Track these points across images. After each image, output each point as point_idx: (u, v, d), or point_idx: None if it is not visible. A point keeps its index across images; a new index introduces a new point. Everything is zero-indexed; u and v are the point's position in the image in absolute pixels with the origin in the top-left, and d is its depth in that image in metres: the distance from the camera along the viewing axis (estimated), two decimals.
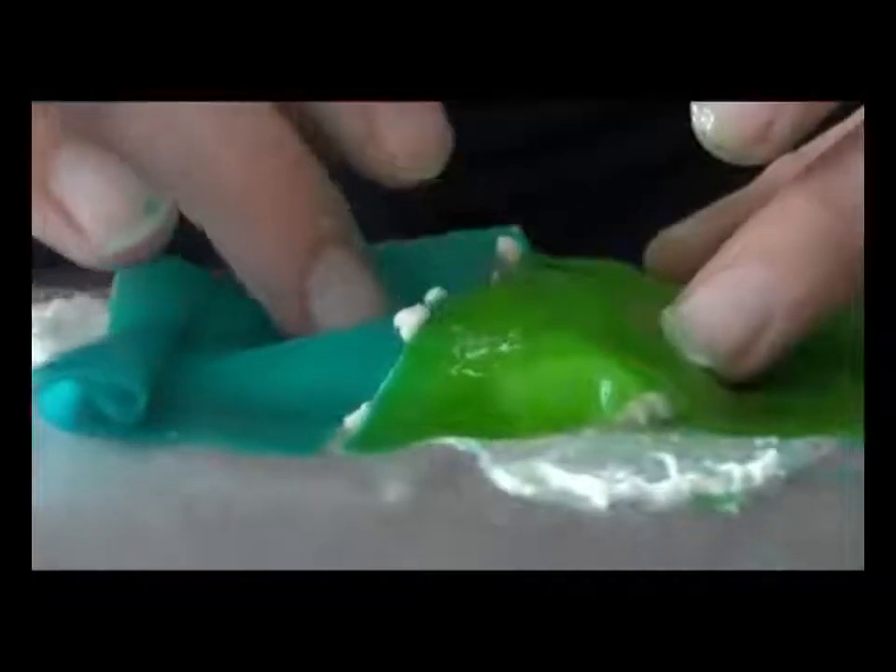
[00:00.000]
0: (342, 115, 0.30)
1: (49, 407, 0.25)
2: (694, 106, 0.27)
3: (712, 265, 0.28)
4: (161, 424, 0.25)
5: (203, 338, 0.29)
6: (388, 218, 0.40)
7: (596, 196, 0.44)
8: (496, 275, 0.32)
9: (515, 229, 0.34)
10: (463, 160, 0.52)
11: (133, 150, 0.28)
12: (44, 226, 0.27)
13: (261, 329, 0.29)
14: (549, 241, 0.35)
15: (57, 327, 0.30)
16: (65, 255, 0.28)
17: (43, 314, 0.31)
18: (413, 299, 0.30)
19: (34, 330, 0.29)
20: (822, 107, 0.27)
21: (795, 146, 0.28)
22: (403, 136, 0.30)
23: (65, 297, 0.32)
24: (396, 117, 0.30)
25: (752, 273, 0.27)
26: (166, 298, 0.30)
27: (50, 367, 0.26)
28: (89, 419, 0.25)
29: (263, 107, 0.28)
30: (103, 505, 0.23)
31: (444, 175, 0.32)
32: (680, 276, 0.33)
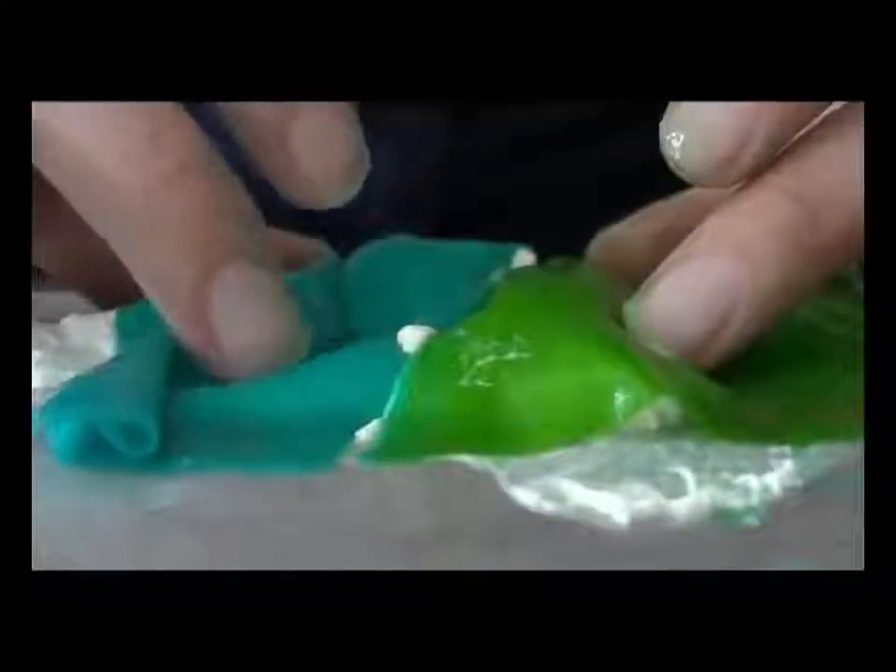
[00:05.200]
0: (256, 128, 0.29)
1: (58, 443, 0.24)
2: (663, 130, 0.27)
3: (675, 256, 0.27)
4: (172, 452, 0.25)
5: (190, 359, 0.28)
6: (388, 218, 0.40)
7: (595, 196, 0.44)
8: (495, 277, 0.33)
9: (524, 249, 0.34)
10: (463, 160, 0.52)
11: (40, 166, 0.28)
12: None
13: None
14: (546, 241, 0.35)
15: (63, 347, 0.30)
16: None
17: (50, 333, 0.30)
18: (420, 299, 0.30)
19: (39, 352, 0.29)
20: (794, 127, 0.27)
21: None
22: (319, 160, 0.29)
23: (76, 314, 0.31)
24: (312, 137, 0.29)
25: (715, 263, 0.26)
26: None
27: (59, 401, 0.25)
28: (99, 454, 0.24)
29: (151, 108, 0.27)
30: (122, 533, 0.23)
31: (445, 175, 0.32)
32: (622, 272, 0.33)
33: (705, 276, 0.26)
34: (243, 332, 0.27)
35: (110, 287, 0.32)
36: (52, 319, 0.31)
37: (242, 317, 0.27)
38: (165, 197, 0.27)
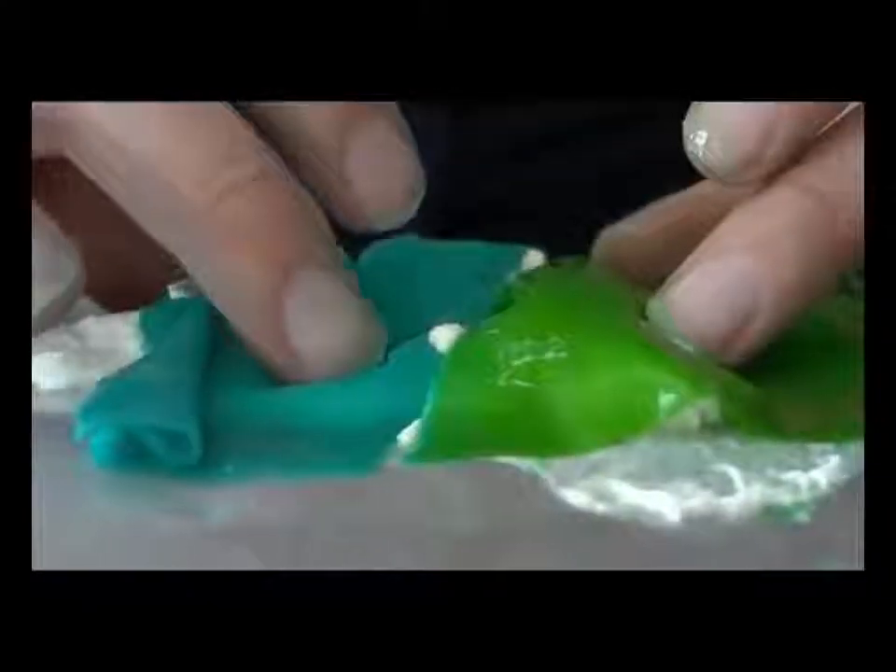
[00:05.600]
0: (309, 148, 0.29)
1: (99, 452, 0.24)
2: (686, 128, 0.27)
3: (697, 254, 0.28)
4: (213, 458, 0.25)
5: (223, 363, 0.28)
6: None
7: (595, 196, 0.44)
8: (510, 278, 0.33)
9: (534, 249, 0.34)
10: (463, 160, 0.52)
11: (92, 174, 0.28)
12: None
13: None
14: (546, 241, 0.35)
15: (85, 348, 0.30)
16: None
17: (69, 334, 0.30)
18: (430, 300, 0.30)
19: (60, 353, 0.29)
20: (814, 127, 0.27)
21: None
22: (375, 183, 0.29)
23: (94, 315, 0.31)
24: (369, 159, 0.28)
25: (738, 260, 0.27)
26: (193, 320, 0.29)
27: (98, 407, 0.25)
28: (142, 461, 0.24)
29: (222, 120, 0.27)
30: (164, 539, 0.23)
31: (445, 175, 0.32)
32: (628, 270, 0.33)
33: (728, 274, 0.27)
34: (318, 336, 0.27)
35: (124, 290, 0.32)
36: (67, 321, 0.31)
37: (317, 322, 0.27)
38: (237, 206, 0.26)
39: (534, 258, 0.34)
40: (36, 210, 0.28)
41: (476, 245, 0.35)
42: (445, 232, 0.38)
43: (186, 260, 0.28)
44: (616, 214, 0.36)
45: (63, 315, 0.28)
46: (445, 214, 0.48)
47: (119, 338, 0.30)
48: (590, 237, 0.35)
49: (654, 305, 0.28)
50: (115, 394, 0.26)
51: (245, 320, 0.27)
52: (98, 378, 0.27)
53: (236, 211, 0.26)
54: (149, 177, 0.27)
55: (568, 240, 0.34)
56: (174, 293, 0.31)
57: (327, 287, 0.27)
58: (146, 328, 0.30)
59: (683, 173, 0.36)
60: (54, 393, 0.28)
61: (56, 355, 0.29)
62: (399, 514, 0.23)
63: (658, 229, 0.34)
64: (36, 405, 0.27)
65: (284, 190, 0.27)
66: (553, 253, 0.35)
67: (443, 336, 0.28)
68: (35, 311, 0.27)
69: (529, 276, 0.33)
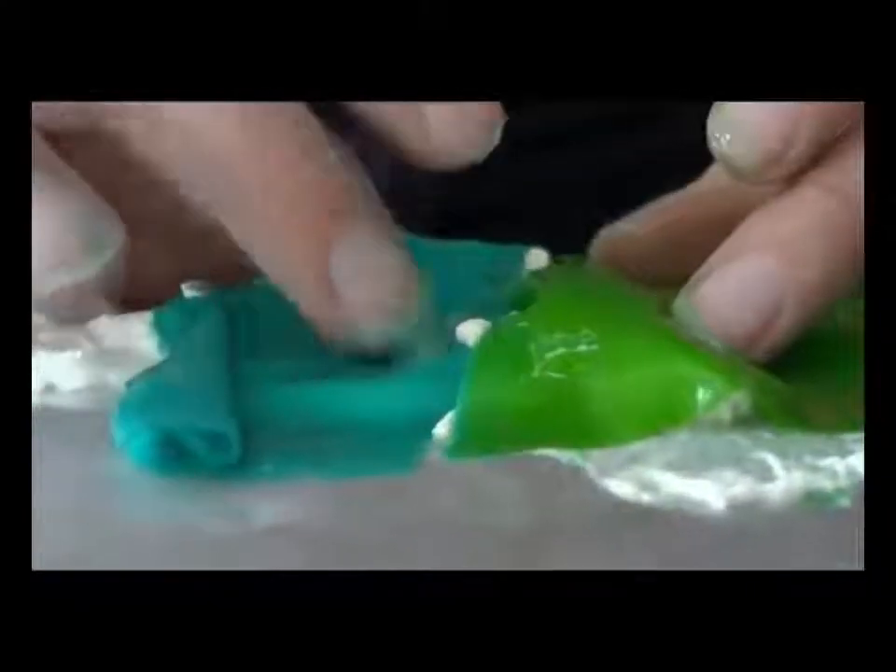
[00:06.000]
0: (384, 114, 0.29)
1: (140, 455, 0.24)
2: (710, 127, 0.28)
3: (721, 253, 0.28)
4: (251, 458, 0.24)
5: (251, 360, 0.28)
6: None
7: (595, 196, 0.44)
8: (523, 275, 0.33)
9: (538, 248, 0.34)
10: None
11: (160, 165, 0.28)
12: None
13: (293, 340, 0.29)
14: (546, 241, 0.35)
15: (101, 349, 0.30)
16: None
17: (82, 334, 0.30)
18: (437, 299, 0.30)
19: (78, 354, 0.29)
20: (836, 127, 0.27)
21: None
22: (452, 118, 0.29)
23: (107, 315, 0.31)
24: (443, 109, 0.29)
25: (763, 261, 0.27)
26: (210, 319, 0.29)
27: (133, 410, 0.25)
28: (179, 462, 0.24)
29: (297, 112, 0.28)
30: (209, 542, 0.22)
31: (445, 175, 0.32)
32: (626, 268, 0.33)
33: (753, 273, 0.27)
34: (364, 289, 0.28)
35: (139, 290, 0.32)
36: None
37: (362, 276, 0.28)
38: (311, 197, 0.28)
39: (537, 256, 0.34)
40: (73, 174, 0.28)
41: (477, 245, 0.35)
42: (444, 232, 0.38)
43: (250, 245, 0.28)
44: (616, 214, 0.36)
45: (114, 283, 0.28)
46: (444, 214, 0.48)
47: (134, 338, 0.30)
48: (589, 237, 0.35)
49: (680, 302, 0.28)
50: (149, 396, 0.25)
51: (298, 291, 0.28)
52: (115, 378, 0.27)
53: (307, 200, 0.28)
54: (222, 176, 0.28)
55: (568, 240, 0.34)
56: (187, 292, 0.31)
57: (369, 245, 0.28)
58: (160, 327, 0.30)
59: (683, 172, 0.36)
60: (76, 392, 0.28)
61: (74, 355, 0.29)
62: (445, 512, 0.23)
63: (655, 228, 0.34)
64: (59, 403, 0.27)
65: (353, 176, 0.28)
66: (552, 253, 0.35)
67: (471, 331, 0.28)
68: (85, 276, 0.27)
69: (542, 274, 0.33)
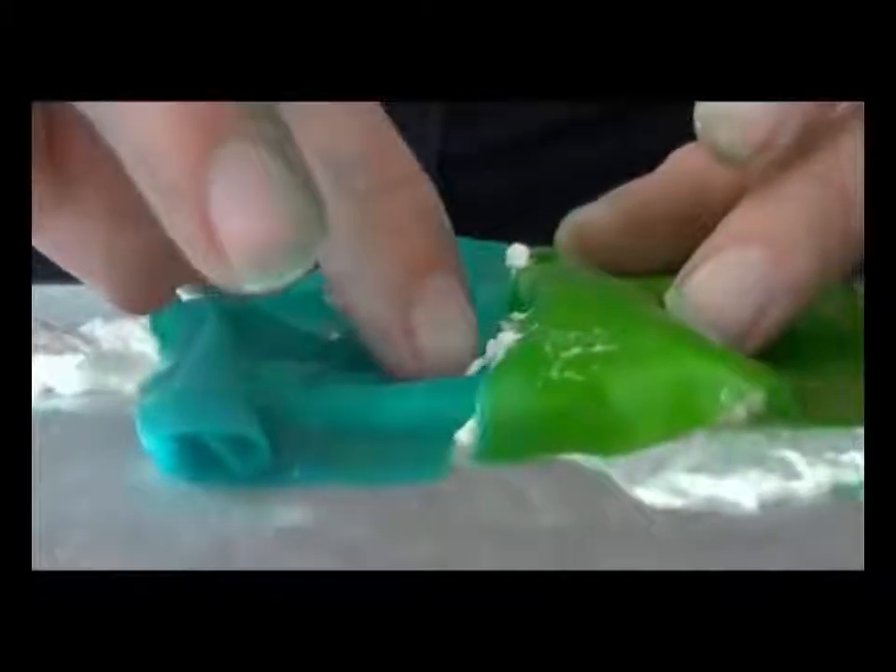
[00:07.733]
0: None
1: (167, 462, 0.24)
2: (698, 114, 0.28)
3: (710, 244, 0.28)
4: (279, 464, 0.24)
5: (263, 365, 0.28)
6: None
7: (595, 195, 0.44)
8: (514, 272, 0.33)
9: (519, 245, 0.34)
10: (462, 159, 0.52)
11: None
12: (183, 231, 0.23)
13: (293, 341, 0.29)
14: (546, 241, 0.35)
15: (99, 352, 0.30)
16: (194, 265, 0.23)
17: (77, 338, 0.30)
18: None
19: (78, 358, 0.29)
20: (824, 117, 0.27)
21: None
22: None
23: (104, 319, 0.31)
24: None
25: (752, 251, 0.27)
26: (212, 323, 0.28)
27: (157, 417, 0.24)
28: (208, 469, 0.24)
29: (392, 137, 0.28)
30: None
31: (444, 175, 0.32)
32: (591, 255, 0.33)
33: (743, 263, 0.27)
34: (445, 340, 0.27)
35: (142, 292, 0.32)
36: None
37: (446, 328, 0.27)
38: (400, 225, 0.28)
39: (518, 252, 0.34)
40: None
41: (462, 242, 0.35)
42: None
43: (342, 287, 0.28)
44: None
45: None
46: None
47: (132, 341, 0.30)
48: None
49: (671, 295, 0.28)
50: (170, 403, 0.25)
51: (381, 336, 0.28)
52: (115, 382, 0.27)
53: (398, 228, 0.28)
54: None
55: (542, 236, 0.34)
56: (184, 295, 0.31)
57: (455, 292, 0.27)
58: (158, 331, 0.30)
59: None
60: (78, 396, 0.28)
61: (73, 359, 0.29)
62: (482, 515, 0.23)
63: (620, 211, 0.34)
64: (65, 406, 0.27)
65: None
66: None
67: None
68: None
69: (530, 271, 0.33)
